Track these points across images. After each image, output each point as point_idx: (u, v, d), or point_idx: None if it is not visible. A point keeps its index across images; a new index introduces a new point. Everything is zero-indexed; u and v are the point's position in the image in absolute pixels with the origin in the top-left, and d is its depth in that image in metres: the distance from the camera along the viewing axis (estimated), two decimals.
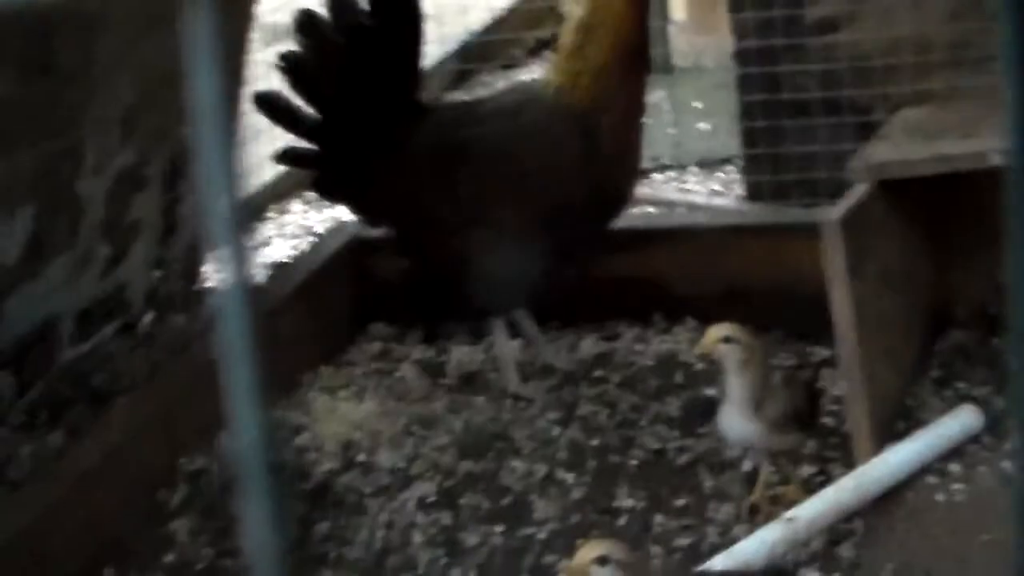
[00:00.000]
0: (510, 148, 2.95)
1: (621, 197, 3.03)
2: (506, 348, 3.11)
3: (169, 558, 2.60)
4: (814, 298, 2.66)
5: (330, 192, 3.27)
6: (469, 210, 2.96)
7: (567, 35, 2.94)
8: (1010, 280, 0.59)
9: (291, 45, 3.06)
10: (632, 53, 2.89)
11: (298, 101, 3.07)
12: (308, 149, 3.12)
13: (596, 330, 3.32)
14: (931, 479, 2.54)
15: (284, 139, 3.28)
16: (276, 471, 0.61)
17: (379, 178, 3.05)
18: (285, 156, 3.21)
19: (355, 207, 3.23)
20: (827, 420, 2.77)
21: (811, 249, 2.61)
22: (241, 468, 0.61)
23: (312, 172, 3.21)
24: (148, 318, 3.57)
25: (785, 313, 3.13)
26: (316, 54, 3.01)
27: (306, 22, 3.00)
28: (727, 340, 2.45)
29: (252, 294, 0.59)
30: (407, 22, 3.02)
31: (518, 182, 2.94)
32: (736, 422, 2.48)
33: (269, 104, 3.06)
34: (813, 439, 2.68)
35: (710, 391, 2.94)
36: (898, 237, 2.81)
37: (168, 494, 2.75)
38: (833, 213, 2.57)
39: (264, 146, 3.50)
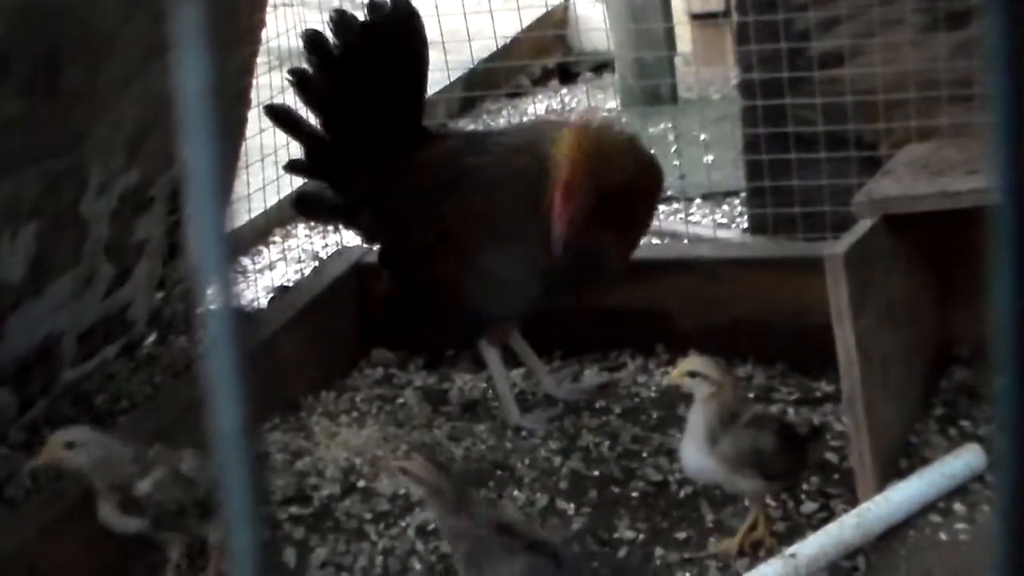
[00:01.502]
0: (499, 186, 2.92)
1: (605, 261, 2.92)
2: (502, 380, 3.09)
3: None
4: (817, 332, 2.65)
5: (311, 210, 3.35)
6: (452, 239, 2.96)
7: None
8: (995, 312, 0.59)
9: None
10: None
11: (307, 116, 3.14)
12: (313, 160, 3.16)
13: (599, 361, 3.32)
14: (935, 517, 2.52)
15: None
16: (257, 496, 0.60)
17: (375, 195, 3.07)
18: (292, 166, 3.27)
19: (350, 223, 3.25)
20: (830, 456, 2.75)
21: (815, 283, 2.60)
22: (223, 487, 0.61)
23: (310, 181, 3.26)
24: (150, 339, 3.57)
25: (788, 347, 3.12)
26: (321, 72, 3.05)
27: (313, 40, 3.07)
28: (693, 375, 2.44)
29: (240, 321, 0.59)
30: (408, 47, 3.06)
31: (501, 221, 2.91)
32: (691, 454, 2.48)
33: (279, 115, 3.15)
34: (813, 477, 2.66)
35: None
36: (902, 273, 2.80)
37: None
38: (837, 247, 2.56)
39: (269, 170, 3.52)
